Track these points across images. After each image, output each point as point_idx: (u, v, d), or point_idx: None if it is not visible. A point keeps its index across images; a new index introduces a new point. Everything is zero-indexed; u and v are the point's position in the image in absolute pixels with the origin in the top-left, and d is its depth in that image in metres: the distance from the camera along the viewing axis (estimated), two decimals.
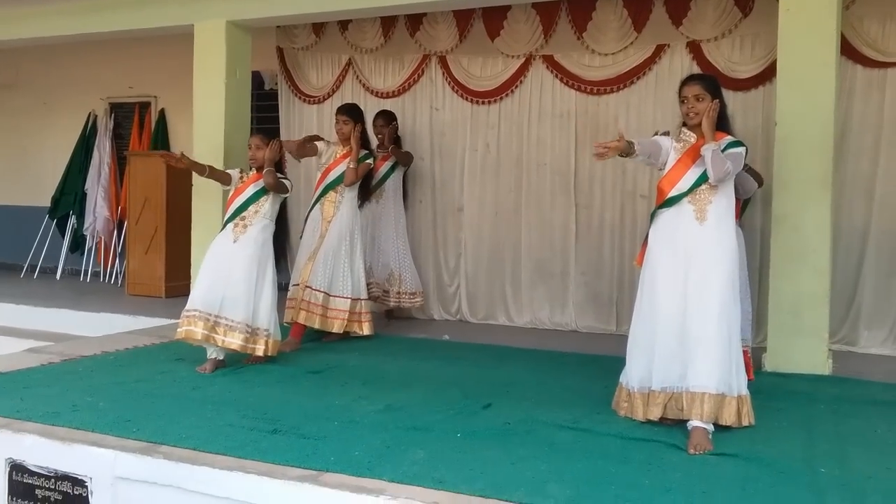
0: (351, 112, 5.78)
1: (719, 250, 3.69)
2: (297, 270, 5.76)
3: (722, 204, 3.74)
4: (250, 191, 4.94)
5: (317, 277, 5.54)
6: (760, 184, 4.85)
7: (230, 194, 5.03)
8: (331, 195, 5.69)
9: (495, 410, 4.00)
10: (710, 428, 3.54)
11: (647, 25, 6.15)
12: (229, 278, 4.76)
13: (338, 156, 5.75)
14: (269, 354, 4.90)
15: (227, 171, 5.18)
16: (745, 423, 3.64)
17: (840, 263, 5.46)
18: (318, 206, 5.74)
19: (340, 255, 5.64)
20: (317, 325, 5.56)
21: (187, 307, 4.73)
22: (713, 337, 3.59)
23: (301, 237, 5.88)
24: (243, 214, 4.90)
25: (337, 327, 5.61)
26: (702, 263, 3.66)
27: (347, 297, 5.64)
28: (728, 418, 3.59)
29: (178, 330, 4.73)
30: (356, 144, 5.64)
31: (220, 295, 4.72)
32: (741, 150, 3.77)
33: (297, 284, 5.60)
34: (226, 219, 4.96)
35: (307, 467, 3.12)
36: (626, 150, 3.68)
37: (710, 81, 3.87)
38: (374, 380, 4.65)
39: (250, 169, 5.04)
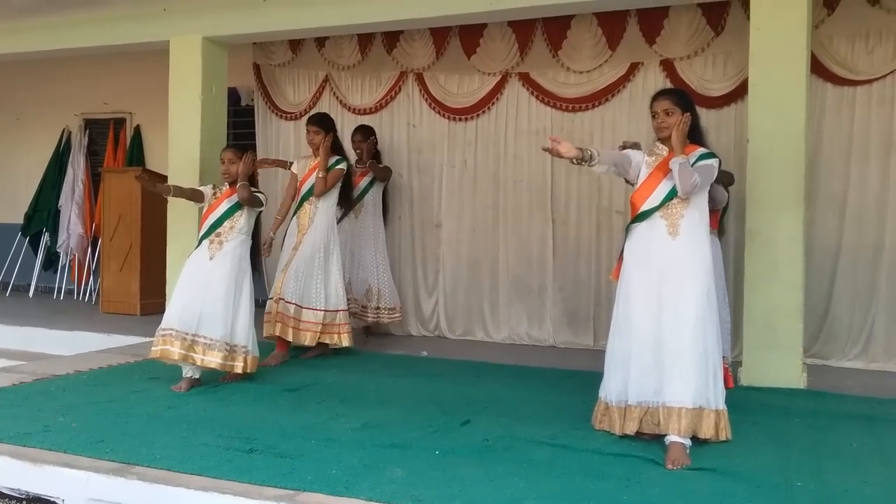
0: (321, 122, 5.74)
1: (693, 263, 3.70)
2: (274, 284, 5.72)
3: (694, 217, 3.75)
4: (224, 206, 4.88)
5: (289, 289, 5.50)
6: (731, 182, 4.89)
7: (204, 211, 4.98)
8: (305, 207, 5.67)
9: (474, 427, 3.99)
10: (688, 443, 3.55)
11: (622, 44, 6.23)
12: (206, 296, 4.71)
13: (310, 167, 5.73)
14: (248, 371, 4.86)
15: (199, 188, 5.13)
16: (722, 437, 3.65)
17: (813, 278, 5.51)
18: (294, 218, 5.73)
19: (314, 267, 5.60)
20: (289, 338, 5.52)
21: (163, 325, 4.68)
22: (689, 350, 3.60)
23: (282, 250, 5.86)
24: (218, 231, 4.84)
25: (309, 340, 5.55)
26: (676, 277, 3.68)
27: (320, 310, 5.59)
28: (707, 431, 3.60)
29: (153, 349, 4.66)
30: (324, 154, 5.61)
31: (196, 313, 4.66)
32: (713, 161, 3.77)
33: (272, 298, 5.57)
34: (200, 235, 4.89)
35: (284, 487, 3.09)
36: (579, 157, 3.63)
37: (680, 96, 3.89)
38: (352, 397, 4.62)
39: (223, 184, 4.98)
